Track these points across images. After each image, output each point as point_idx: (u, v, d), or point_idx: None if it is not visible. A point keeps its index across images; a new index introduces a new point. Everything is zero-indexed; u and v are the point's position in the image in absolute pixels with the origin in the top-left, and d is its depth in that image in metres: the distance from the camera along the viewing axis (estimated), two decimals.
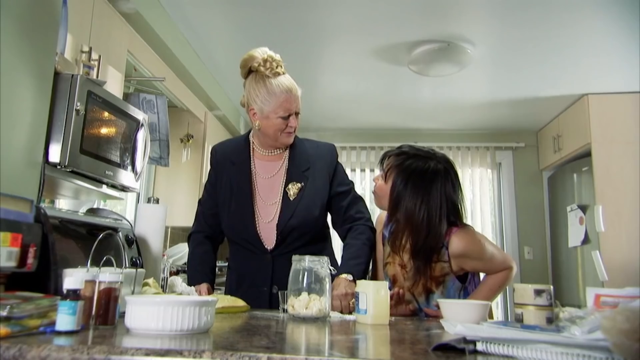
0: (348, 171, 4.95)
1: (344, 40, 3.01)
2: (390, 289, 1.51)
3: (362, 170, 4.95)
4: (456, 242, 1.46)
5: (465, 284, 1.52)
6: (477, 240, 1.49)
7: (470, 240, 1.47)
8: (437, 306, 1.38)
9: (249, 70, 1.57)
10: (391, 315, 1.25)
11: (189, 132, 3.59)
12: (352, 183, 1.71)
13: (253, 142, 1.69)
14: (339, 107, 4.28)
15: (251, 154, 1.68)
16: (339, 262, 1.61)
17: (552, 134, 4.43)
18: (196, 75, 3.18)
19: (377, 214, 1.76)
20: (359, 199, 1.70)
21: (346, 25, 2.82)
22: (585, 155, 3.86)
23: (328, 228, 1.72)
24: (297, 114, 1.58)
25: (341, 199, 1.66)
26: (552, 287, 1.12)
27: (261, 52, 1.54)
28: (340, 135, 4.95)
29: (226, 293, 1.66)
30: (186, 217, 3.49)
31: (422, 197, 1.47)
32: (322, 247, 1.65)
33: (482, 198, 4.75)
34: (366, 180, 4.94)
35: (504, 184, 4.82)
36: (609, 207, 3.57)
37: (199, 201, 1.74)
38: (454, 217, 1.51)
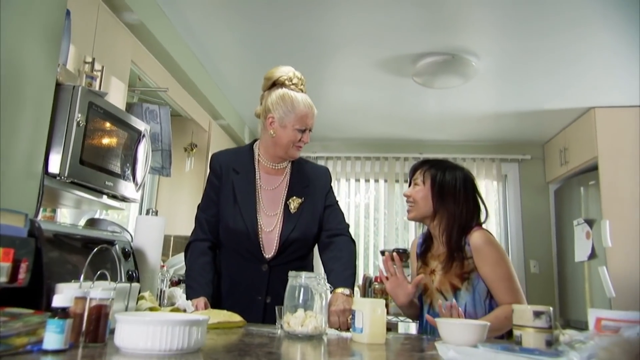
0: (352, 181, 4.99)
1: (349, 52, 3.02)
2: (420, 298, 1.66)
3: (367, 180, 4.94)
4: (476, 236, 1.53)
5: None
6: (496, 246, 1.54)
7: (490, 239, 1.54)
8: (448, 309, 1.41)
9: (273, 83, 1.68)
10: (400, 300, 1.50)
11: (193, 141, 3.59)
12: (337, 201, 1.81)
13: (259, 154, 1.74)
14: (344, 117, 4.29)
15: (256, 164, 1.73)
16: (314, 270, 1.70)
17: (558, 147, 4.39)
18: (200, 84, 3.20)
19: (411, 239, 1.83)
20: (340, 211, 1.79)
21: (350, 37, 2.83)
22: (592, 169, 3.82)
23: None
24: (309, 130, 1.68)
25: (326, 210, 1.76)
26: (551, 308, 1.10)
27: (289, 69, 1.69)
28: (346, 145, 4.95)
29: (215, 298, 1.66)
30: (189, 226, 3.43)
31: (459, 194, 1.60)
32: (309, 261, 1.74)
33: (488, 210, 4.70)
34: (371, 190, 4.93)
35: (510, 196, 4.79)
36: (616, 221, 3.52)
37: (199, 207, 1.74)
38: (478, 218, 1.63)
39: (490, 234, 1.57)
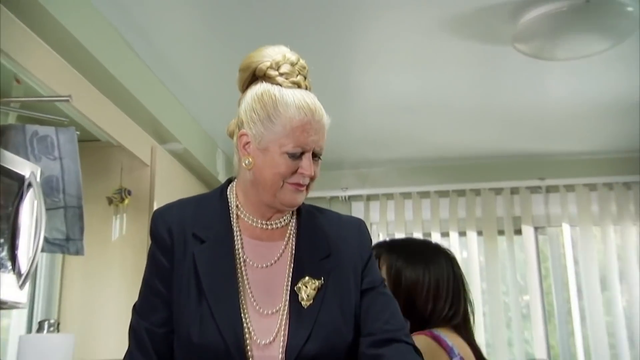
0: (419, 234, 5.01)
1: (396, 11, 3.07)
2: None
3: (444, 233, 4.96)
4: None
5: None
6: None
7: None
8: None
9: (254, 76, 1.73)
10: None
11: (124, 184, 3.64)
12: (383, 279, 1.86)
13: (238, 204, 1.76)
14: (394, 123, 4.35)
15: (233, 223, 1.74)
16: None
17: None
18: (132, 85, 3.25)
19: None
20: (390, 297, 1.81)
21: None
22: None
23: None
24: (316, 156, 1.69)
25: (363, 299, 1.76)
26: None
27: (278, 49, 1.72)
28: (400, 172, 5.05)
29: None
30: (123, 344, 3.46)
31: (424, 292, 2.23)
32: None
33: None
34: (453, 250, 4.87)
35: None
36: None
37: (135, 309, 1.74)
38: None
39: (432, 339, 2.09)
